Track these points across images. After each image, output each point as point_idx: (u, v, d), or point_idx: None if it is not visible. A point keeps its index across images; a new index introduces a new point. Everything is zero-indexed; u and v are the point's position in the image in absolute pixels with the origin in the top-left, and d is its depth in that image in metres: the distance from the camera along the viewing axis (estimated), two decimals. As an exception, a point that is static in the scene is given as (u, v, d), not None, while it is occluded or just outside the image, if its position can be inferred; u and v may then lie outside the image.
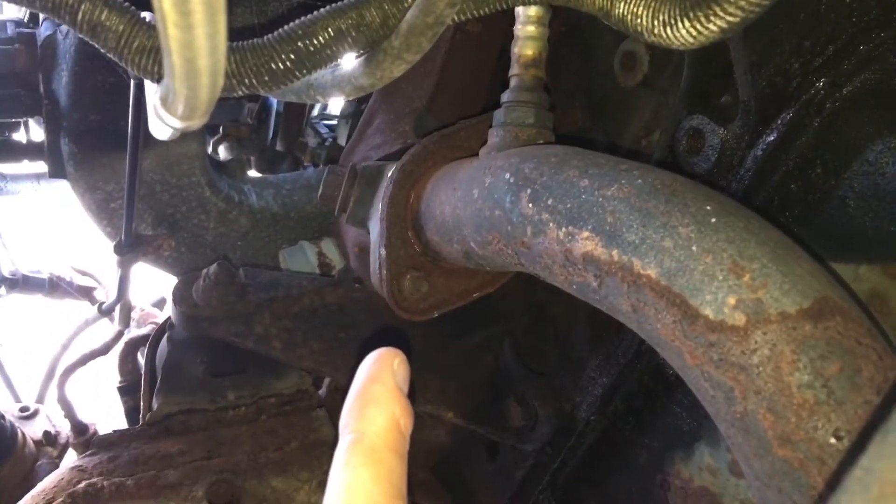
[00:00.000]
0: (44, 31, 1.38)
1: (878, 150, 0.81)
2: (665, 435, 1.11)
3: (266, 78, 0.68)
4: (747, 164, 0.87)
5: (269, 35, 0.69)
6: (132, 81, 1.21)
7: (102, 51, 0.67)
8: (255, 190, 1.69)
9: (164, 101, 0.50)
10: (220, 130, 1.90)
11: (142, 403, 1.26)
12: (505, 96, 0.95)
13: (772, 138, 0.83)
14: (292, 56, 0.68)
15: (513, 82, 0.95)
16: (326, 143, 2.03)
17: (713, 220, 0.65)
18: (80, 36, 0.67)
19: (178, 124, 0.52)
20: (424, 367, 1.28)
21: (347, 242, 1.48)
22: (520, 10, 0.96)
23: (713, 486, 1.05)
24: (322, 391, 1.51)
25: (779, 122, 0.83)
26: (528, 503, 1.29)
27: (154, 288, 2.19)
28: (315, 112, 2.18)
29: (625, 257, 0.68)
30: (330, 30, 0.68)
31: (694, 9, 0.58)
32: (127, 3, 0.67)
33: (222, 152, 1.89)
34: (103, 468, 1.06)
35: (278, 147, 1.99)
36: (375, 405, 0.47)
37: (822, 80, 0.79)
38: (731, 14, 0.55)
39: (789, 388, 0.58)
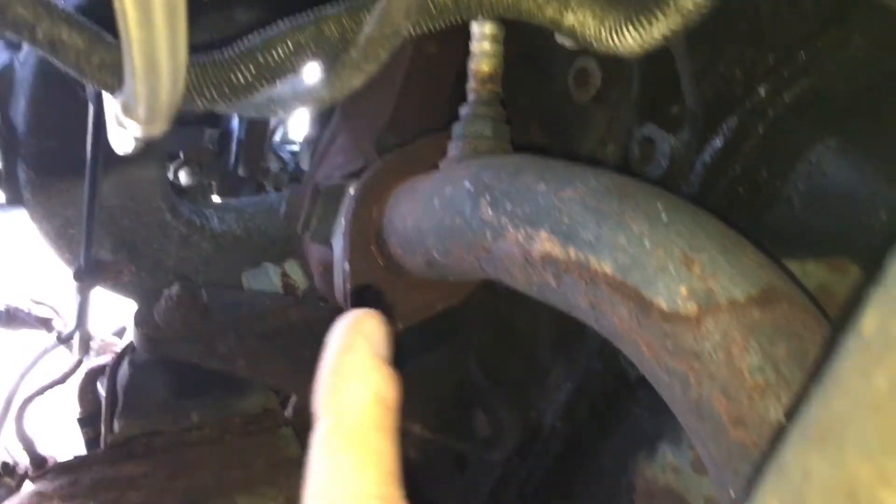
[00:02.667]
0: (0, 59, 1.38)
1: (819, 152, 0.85)
2: (628, 437, 1.13)
3: (226, 90, 0.69)
4: (697, 170, 0.90)
5: (229, 48, 0.70)
6: (91, 105, 1.21)
7: (62, 68, 0.68)
8: (217, 214, 1.69)
9: (126, 108, 0.51)
10: (181, 156, 1.90)
11: (102, 427, 1.24)
12: (463, 110, 0.98)
13: (718, 144, 0.87)
14: (252, 69, 0.69)
15: (470, 97, 0.98)
16: (289, 169, 2.03)
17: (663, 216, 0.68)
18: (40, 53, 0.68)
19: (139, 130, 0.53)
20: (391, 382, 1.29)
21: (311, 262, 1.48)
22: (475, 28, 0.99)
23: (676, 484, 1.07)
24: (288, 411, 1.50)
25: (724, 128, 0.87)
26: (497, 515, 1.30)
27: (114, 318, 2.16)
28: (277, 138, 2.19)
29: (581, 255, 0.70)
30: (289, 43, 0.70)
31: (638, 15, 0.61)
32: (87, 20, 0.68)
33: (183, 177, 1.89)
34: (64, 492, 1.04)
35: (240, 172, 1.99)
36: (351, 379, 0.41)
37: (764, 86, 0.83)
38: (671, 20, 0.59)
39: (741, 372, 0.60)
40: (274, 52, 0.69)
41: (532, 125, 1.32)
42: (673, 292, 0.64)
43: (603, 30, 0.64)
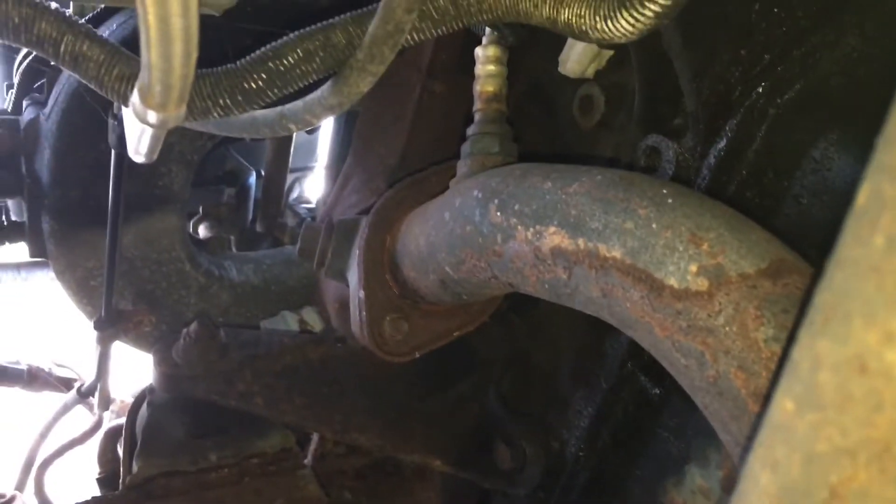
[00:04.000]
0: (27, 115, 1.44)
1: (822, 148, 0.86)
2: (655, 463, 1.10)
3: (240, 98, 0.72)
4: (703, 174, 0.91)
5: (242, 59, 0.73)
6: (113, 152, 1.26)
7: (83, 80, 0.71)
8: (236, 265, 1.71)
9: (142, 92, 0.54)
10: (200, 211, 1.94)
11: (121, 469, 1.23)
12: (470, 130, 1.00)
13: (722, 145, 0.88)
14: (264, 76, 0.72)
15: (477, 117, 1.01)
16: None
17: (669, 200, 0.68)
18: (62, 67, 0.71)
19: (155, 117, 0.55)
20: (410, 416, 1.27)
21: (328, 300, 1.49)
22: (479, 51, 1.03)
23: (707, 507, 1.03)
24: (308, 459, 1.48)
25: (727, 129, 0.88)
26: (523, 555, 1.26)
27: (135, 380, 2.16)
28: (294, 195, 2.24)
29: (590, 244, 0.70)
30: (298, 51, 0.73)
31: (630, -1, 0.64)
32: (105, 37, 0.72)
33: (202, 231, 1.92)
34: (82, 532, 1.03)
35: (258, 228, 2.03)
36: None
37: (762, 85, 0.85)
38: (662, -2, 0.61)
39: (757, 344, 0.60)
40: (284, 59, 0.72)
41: (542, 156, 1.35)
42: (683, 270, 0.64)
43: (598, 18, 0.66)
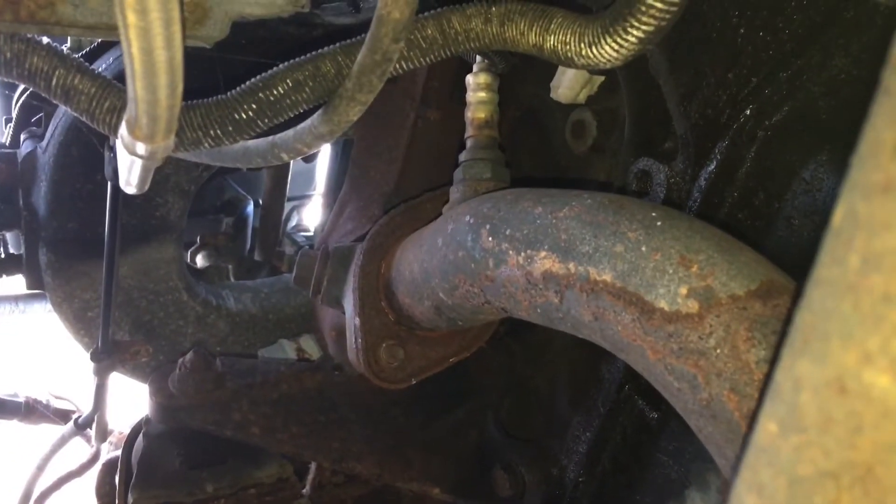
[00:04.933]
0: (24, 149, 1.45)
1: (812, 169, 0.86)
2: (655, 488, 1.09)
3: (230, 128, 0.73)
4: (694, 196, 0.91)
5: (232, 90, 0.74)
6: (109, 184, 1.26)
7: (75, 113, 0.72)
8: (233, 294, 1.71)
9: (129, 124, 0.54)
10: (198, 240, 1.95)
11: (117, 501, 1.21)
12: (462, 156, 1.01)
13: (712, 167, 0.88)
14: (254, 106, 0.73)
15: (469, 143, 1.01)
16: (303, 252, 2.06)
17: (659, 223, 0.68)
18: (54, 100, 0.72)
19: (143, 148, 0.56)
20: (408, 443, 1.26)
21: (325, 329, 1.49)
22: (470, 78, 1.04)
23: (708, 532, 1.02)
24: (306, 489, 1.46)
25: (716, 151, 0.88)
26: (525, 584, 1.24)
27: (133, 411, 2.15)
28: (292, 224, 2.25)
29: (581, 268, 0.70)
30: (288, 81, 0.74)
31: (613, 25, 0.64)
32: (96, 70, 0.73)
33: (200, 260, 1.93)
34: (76, 567, 1.01)
35: (256, 257, 2.03)
36: None
37: (750, 108, 0.85)
38: (645, 24, 0.62)
39: (748, 366, 0.59)
40: (274, 89, 0.73)
41: (536, 180, 1.35)
42: (673, 293, 0.64)
43: (583, 45, 0.67)
